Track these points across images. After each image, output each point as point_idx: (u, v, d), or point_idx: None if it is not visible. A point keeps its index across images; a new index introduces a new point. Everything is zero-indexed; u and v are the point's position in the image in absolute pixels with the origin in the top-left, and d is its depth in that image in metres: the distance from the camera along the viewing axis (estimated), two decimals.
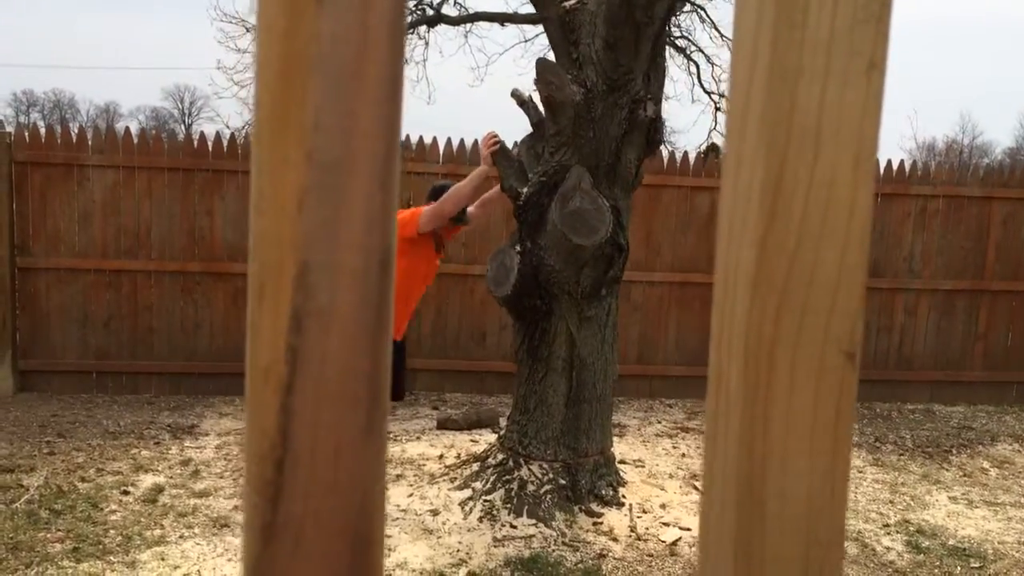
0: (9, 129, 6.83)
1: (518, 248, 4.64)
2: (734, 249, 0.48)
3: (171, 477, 5.06)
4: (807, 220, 0.46)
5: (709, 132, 11.45)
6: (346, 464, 0.46)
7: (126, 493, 4.77)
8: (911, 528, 4.75)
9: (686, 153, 7.41)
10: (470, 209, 4.88)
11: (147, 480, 4.99)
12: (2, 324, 6.68)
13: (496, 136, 4.70)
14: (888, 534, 4.68)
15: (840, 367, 0.47)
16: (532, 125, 4.76)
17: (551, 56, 4.81)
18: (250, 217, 0.44)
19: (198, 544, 4.17)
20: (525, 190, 4.61)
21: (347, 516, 0.46)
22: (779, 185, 0.46)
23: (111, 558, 3.99)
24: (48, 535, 4.19)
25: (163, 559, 4.01)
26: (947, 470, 5.77)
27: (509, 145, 4.80)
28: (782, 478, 0.48)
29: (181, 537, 4.25)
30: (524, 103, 4.75)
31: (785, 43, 0.44)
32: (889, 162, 7.44)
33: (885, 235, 7.37)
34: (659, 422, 6.63)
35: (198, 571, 3.90)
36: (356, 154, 0.42)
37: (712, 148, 10.21)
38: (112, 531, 4.28)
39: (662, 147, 5.72)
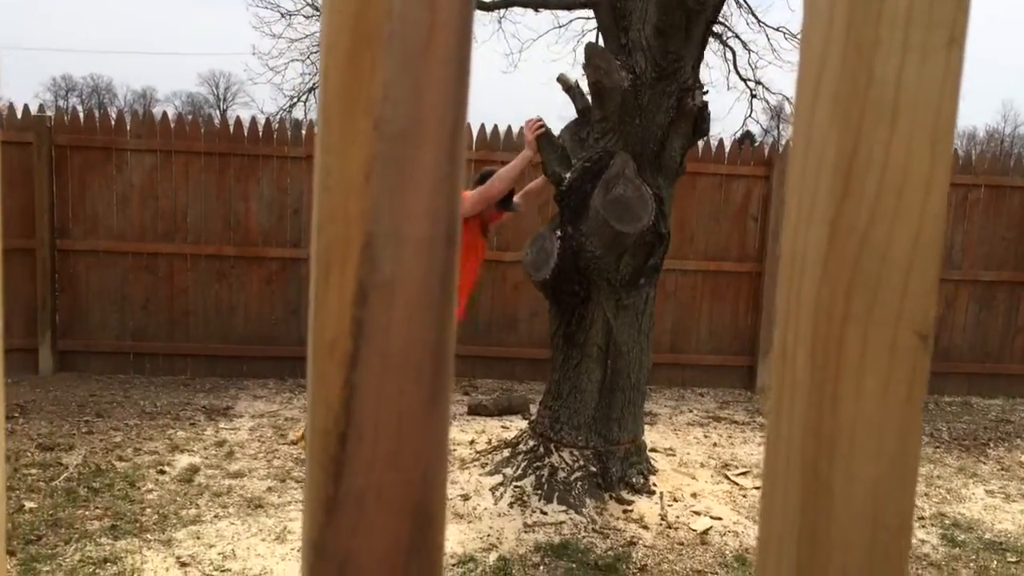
0: (49, 113, 6.91)
1: (559, 233, 4.63)
2: (803, 227, 0.47)
3: (206, 458, 5.13)
4: (881, 198, 0.45)
5: (744, 119, 11.36)
6: (409, 438, 0.45)
7: (162, 472, 4.85)
8: (947, 521, 4.69)
9: (721, 140, 7.34)
10: (515, 199, 4.88)
11: (183, 460, 5.07)
12: (42, 305, 6.79)
13: (541, 121, 4.69)
14: (923, 527, 4.62)
15: (913, 348, 0.46)
16: (577, 111, 4.75)
17: (586, 42, 4.78)
18: (315, 196, 0.44)
19: (232, 524, 4.23)
20: (568, 175, 4.60)
21: (409, 490, 0.45)
22: (852, 162, 0.45)
23: (148, 536, 4.06)
24: (87, 512, 4.27)
25: (198, 538, 4.06)
26: (984, 463, 5.69)
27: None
28: (849, 460, 0.47)
29: (216, 517, 4.31)
30: (570, 88, 4.73)
31: (862, 14, 0.43)
32: None
33: None
34: (691, 411, 6.60)
35: (232, 550, 3.96)
36: (424, 125, 0.42)
37: (747, 135, 10.11)
38: (149, 509, 4.34)
39: None
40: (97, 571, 3.71)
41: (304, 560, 0.46)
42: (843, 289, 0.46)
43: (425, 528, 0.46)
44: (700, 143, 7.17)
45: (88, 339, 6.97)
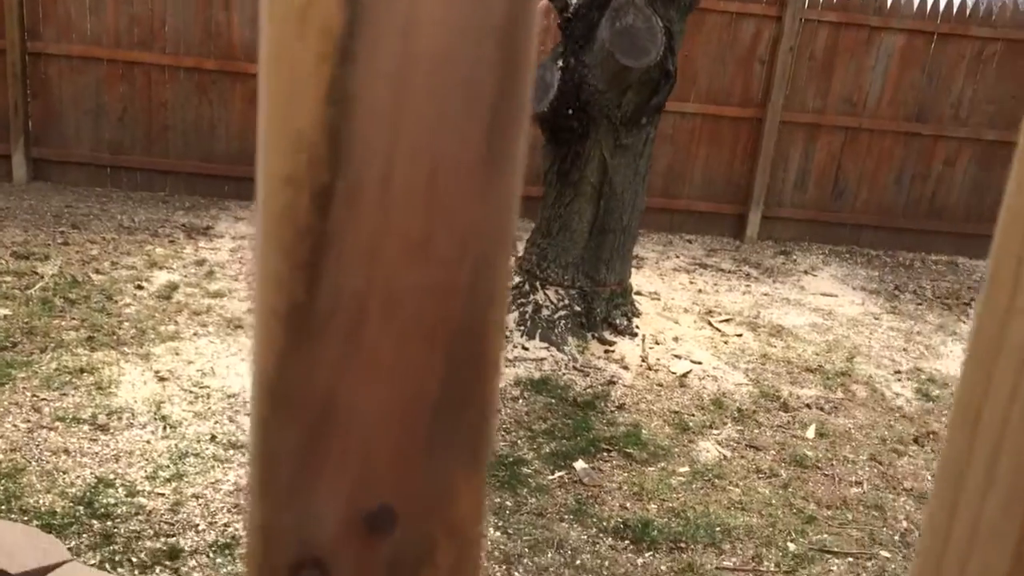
0: None
1: (560, 64, 4.38)
2: None
3: (185, 276, 5.05)
4: None
5: None
6: (447, 203, 0.27)
7: (140, 288, 4.77)
8: (922, 376, 4.74)
9: None
10: None
11: (161, 277, 4.98)
12: (14, 110, 6.50)
13: None
14: (899, 380, 4.67)
15: None
16: None
17: None
18: None
19: (212, 342, 4.19)
20: (575, 0, 4.30)
21: (444, 301, 0.28)
22: None
23: (125, 349, 4.02)
24: (63, 323, 4.21)
25: (177, 354, 4.03)
26: (964, 323, 5.71)
27: None
28: None
29: (195, 335, 4.26)
30: None
31: None
32: (950, 1, 6.94)
33: (934, 78, 6.99)
34: (678, 256, 6.54)
35: (211, 368, 3.94)
36: None
37: None
38: (126, 323, 4.29)
39: None
40: (73, 380, 3.69)
41: (255, 408, 0.30)
42: None
43: (470, 368, 0.29)
44: None
45: (63, 148, 6.73)
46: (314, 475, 0.28)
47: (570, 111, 4.33)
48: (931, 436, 4.07)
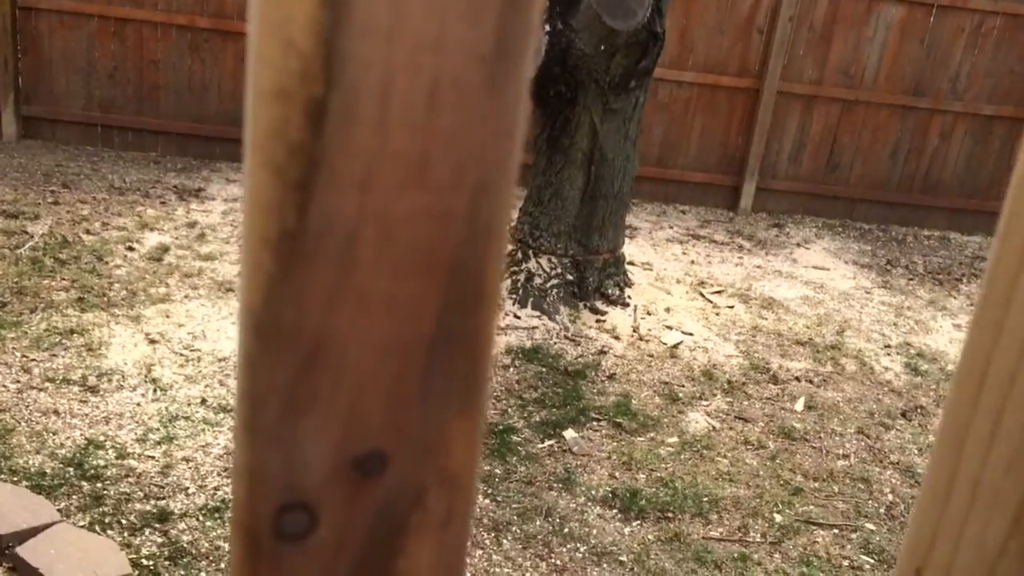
0: None
1: (547, 28, 4.33)
2: None
3: (176, 238, 5.01)
4: None
5: None
6: (448, 125, 0.25)
7: (131, 249, 4.74)
8: (912, 351, 4.76)
9: None
10: None
11: (152, 239, 4.95)
12: (4, 66, 6.41)
13: None
14: (888, 355, 4.69)
15: None
16: None
17: None
18: None
19: (203, 305, 4.17)
20: None
21: (444, 229, 0.27)
22: None
23: (115, 311, 4.00)
24: (53, 283, 4.18)
25: (168, 316, 4.02)
26: (955, 298, 5.73)
27: None
28: None
29: (186, 297, 4.24)
30: None
31: None
32: None
33: (933, 51, 6.94)
34: (671, 227, 6.53)
35: (203, 331, 3.92)
36: None
37: None
38: (117, 285, 4.26)
39: None
40: (63, 341, 3.67)
41: (242, 343, 0.28)
42: None
43: (467, 302, 0.28)
44: None
45: (53, 106, 6.65)
46: (303, 414, 0.27)
47: (558, 72, 4.29)
48: (919, 410, 4.10)
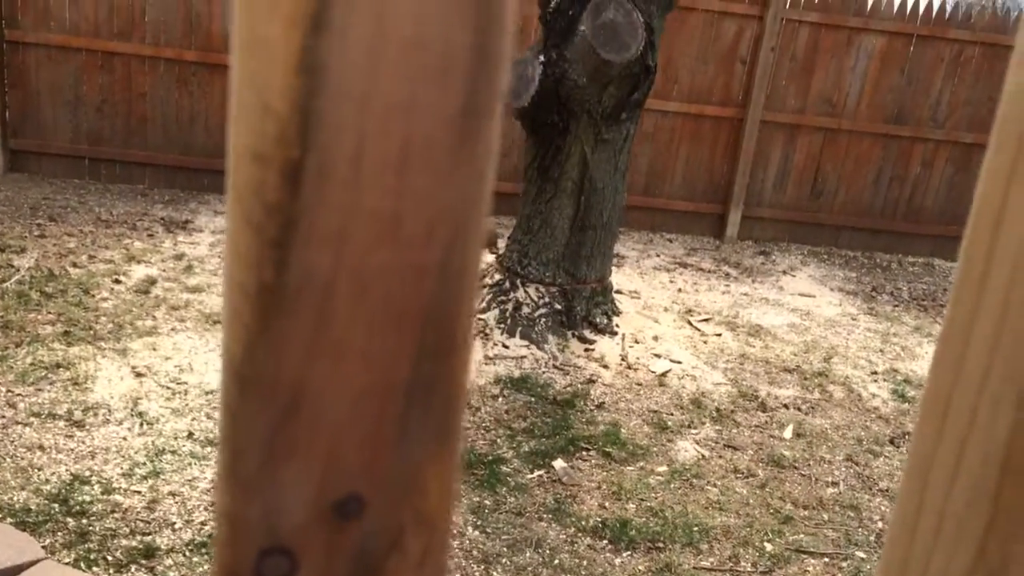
0: None
1: (541, 58, 4.38)
2: None
3: (164, 270, 5.01)
4: None
5: None
6: (420, 180, 0.26)
7: (118, 282, 4.72)
8: (898, 377, 4.78)
9: None
10: None
11: (139, 271, 4.94)
12: None
13: None
14: (875, 381, 4.71)
15: None
16: None
17: None
18: None
19: (190, 338, 4.16)
20: None
21: (417, 281, 0.27)
22: None
23: (102, 344, 3.98)
24: (39, 316, 4.16)
25: (154, 349, 4.00)
26: (940, 324, 5.75)
27: None
28: None
29: (173, 330, 4.23)
30: None
31: None
32: (930, 2, 7.00)
33: (913, 81, 7.05)
34: (658, 255, 6.56)
35: (189, 364, 3.91)
36: None
37: None
38: (103, 318, 4.25)
39: None
40: (49, 375, 3.65)
41: (224, 393, 0.29)
42: None
43: (441, 349, 0.28)
44: None
45: (40, 139, 6.65)
46: (283, 462, 0.28)
47: (551, 102, 4.34)
48: (907, 437, 4.11)
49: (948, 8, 7.01)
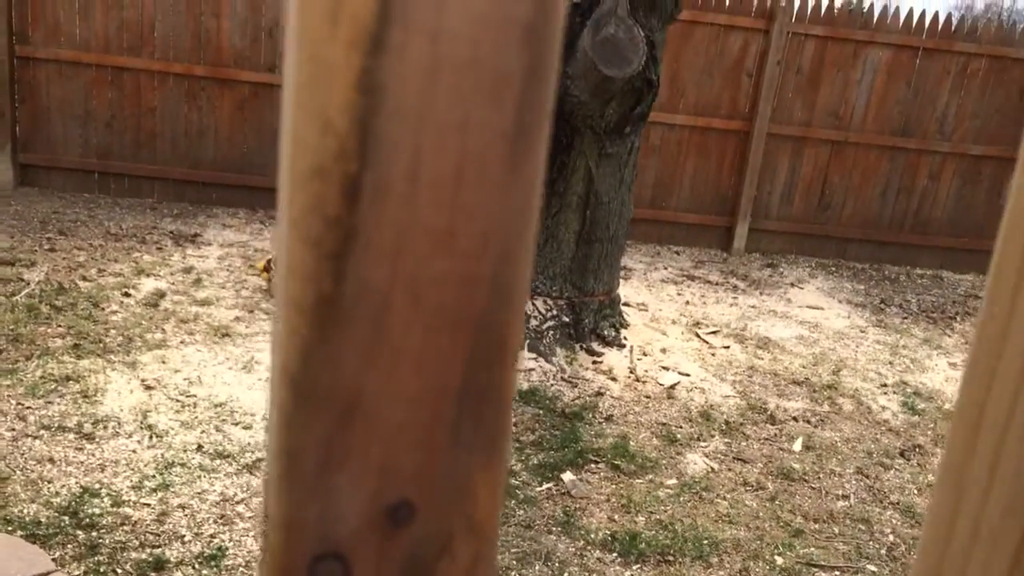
0: None
1: None
2: None
3: (172, 284, 5.03)
4: None
5: None
6: (473, 198, 0.28)
7: (127, 295, 4.74)
8: (908, 390, 4.77)
9: None
10: None
11: (148, 284, 4.96)
12: (2, 114, 6.47)
13: None
14: (885, 394, 4.70)
15: None
16: None
17: None
18: None
19: (199, 351, 4.17)
20: None
21: (469, 293, 0.29)
22: None
23: (112, 357, 3.99)
24: (49, 330, 4.18)
25: (164, 362, 4.01)
26: (949, 336, 5.75)
27: None
28: None
29: (182, 343, 4.24)
30: None
31: None
32: (936, 15, 7.02)
33: (920, 93, 7.06)
34: (665, 268, 6.56)
35: (198, 377, 3.92)
36: None
37: None
38: (113, 331, 4.27)
39: None
40: (59, 388, 3.66)
41: (279, 402, 0.30)
42: None
43: (491, 358, 0.29)
44: None
45: (50, 154, 6.70)
46: (337, 468, 0.28)
47: (554, 118, 4.35)
48: (917, 449, 4.09)
49: (954, 21, 7.02)
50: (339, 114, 0.27)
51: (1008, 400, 0.33)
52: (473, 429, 0.29)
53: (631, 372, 4.52)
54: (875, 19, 6.91)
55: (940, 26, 6.97)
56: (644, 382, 4.45)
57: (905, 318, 6.05)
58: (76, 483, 3.06)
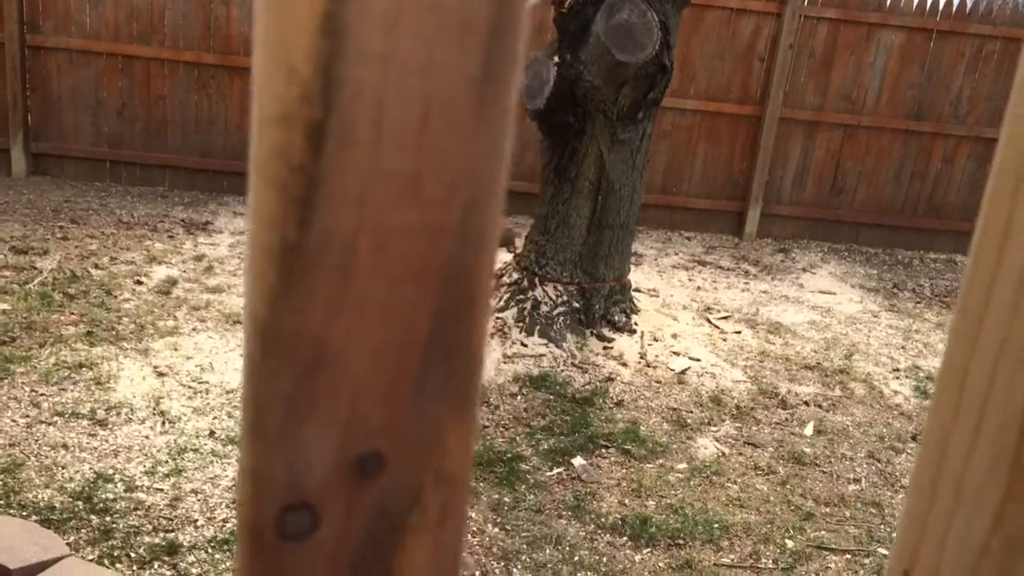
0: None
1: (556, 59, 4.38)
2: None
3: (184, 271, 5.05)
4: None
5: None
6: (439, 145, 0.27)
7: (139, 283, 4.77)
8: (921, 374, 4.75)
9: None
10: None
11: (160, 272, 4.98)
12: (13, 104, 6.50)
13: None
14: (897, 378, 4.68)
15: None
16: None
17: None
18: None
19: (211, 338, 4.19)
20: None
21: (435, 242, 0.28)
22: None
23: (124, 344, 4.02)
24: (62, 317, 4.21)
25: (176, 349, 4.03)
26: None
27: None
28: None
29: (194, 330, 4.27)
30: None
31: None
32: None
33: (934, 76, 6.99)
34: (676, 254, 6.54)
35: (210, 363, 3.94)
36: None
37: None
38: (125, 319, 4.29)
39: None
40: (72, 375, 3.69)
41: (248, 351, 0.30)
42: None
43: (460, 309, 0.29)
44: None
45: (62, 143, 6.73)
46: (304, 419, 0.28)
47: (567, 103, 4.34)
48: None
49: (968, 3, 6.94)
50: (303, 60, 0.26)
51: (991, 359, 0.33)
52: (442, 380, 0.29)
53: (642, 357, 4.52)
54: (888, 1, 6.84)
55: (954, 8, 6.90)
56: (655, 367, 4.44)
57: (918, 302, 6.02)
58: (90, 469, 3.08)
